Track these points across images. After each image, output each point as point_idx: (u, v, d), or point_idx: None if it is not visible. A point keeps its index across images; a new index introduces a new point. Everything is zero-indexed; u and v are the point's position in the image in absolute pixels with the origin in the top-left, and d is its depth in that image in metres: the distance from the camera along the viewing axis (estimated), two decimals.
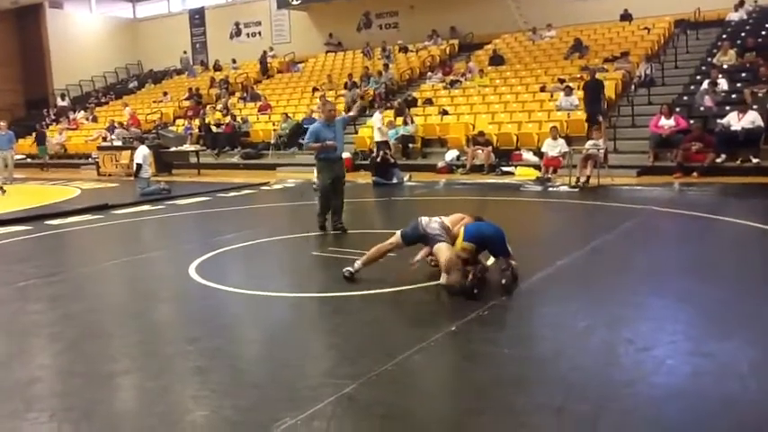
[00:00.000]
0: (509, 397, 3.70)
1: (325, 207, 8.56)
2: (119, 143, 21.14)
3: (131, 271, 7.41)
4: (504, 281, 5.49)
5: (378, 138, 16.36)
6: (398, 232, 6.10)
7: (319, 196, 8.69)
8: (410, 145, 17.22)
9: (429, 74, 22.16)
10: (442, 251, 5.68)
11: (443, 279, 5.62)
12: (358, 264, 6.01)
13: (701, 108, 14.73)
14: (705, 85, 15.21)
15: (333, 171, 8.49)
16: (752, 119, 13.11)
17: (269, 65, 27.71)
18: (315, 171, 14.24)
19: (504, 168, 15.04)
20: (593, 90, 15.26)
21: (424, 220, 6.03)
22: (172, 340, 4.96)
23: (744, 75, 15.61)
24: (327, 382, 3.92)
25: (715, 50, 17.40)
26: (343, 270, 6.04)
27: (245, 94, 24.83)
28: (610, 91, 17.02)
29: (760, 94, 14.18)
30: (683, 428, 3.24)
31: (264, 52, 28.19)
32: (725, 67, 16.19)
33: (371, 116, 20.11)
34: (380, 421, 3.47)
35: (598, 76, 15.73)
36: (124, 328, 5.26)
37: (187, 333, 5.06)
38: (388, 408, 3.63)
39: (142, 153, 14.09)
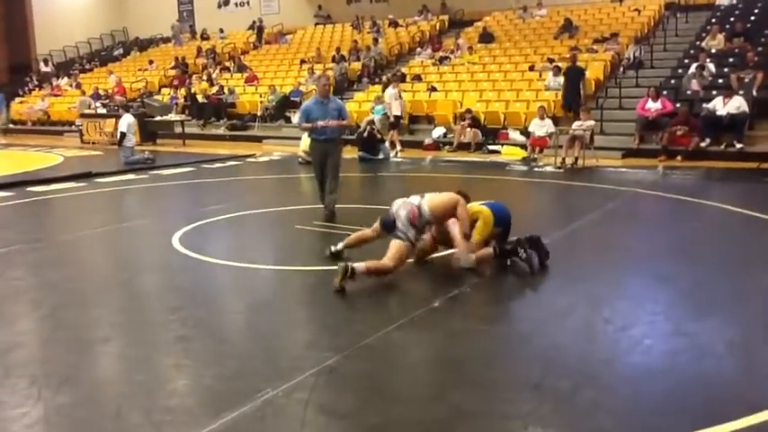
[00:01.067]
0: (488, 372, 3.74)
1: (321, 183, 8.24)
2: (102, 111, 20.85)
3: (114, 240, 7.36)
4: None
5: (395, 111, 16.30)
6: (380, 218, 5.69)
7: (316, 177, 8.35)
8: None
9: (418, 49, 22.02)
10: (391, 248, 5.26)
11: (470, 264, 5.46)
12: (340, 244, 5.87)
13: (688, 92, 14.78)
14: (693, 68, 15.24)
15: (318, 151, 8.14)
16: (737, 104, 13.17)
17: (253, 33, 27.39)
18: (301, 143, 14.24)
19: (491, 147, 15.05)
20: (572, 77, 15.35)
21: (395, 204, 5.51)
22: (154, 309, 4.96)
23: (731, 60, 15.66)
24: (309, 354, 3.94)
25: (704, 34, 17.41)
26: (326, 249, 5.94)
27: (231, 65, 24.55)
28: (598, 72, 17.03)
29: (746, 80, 14.24)
30: (661, 405, 3.29)
31: (259, 20, 27.89)
32: (713, 51, 16.21)
33: (359, 90, 20.04)
34: (361, 393, 3.50)
35: (582, 60, 15.73)
36: (106, 297, 5.25)
37: (169, 302, 5.06)
38: (369, 380, 3.66)
39: (126, 121, 13.91)
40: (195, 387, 3.59)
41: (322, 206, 8.11)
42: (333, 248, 5.89)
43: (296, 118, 8.23)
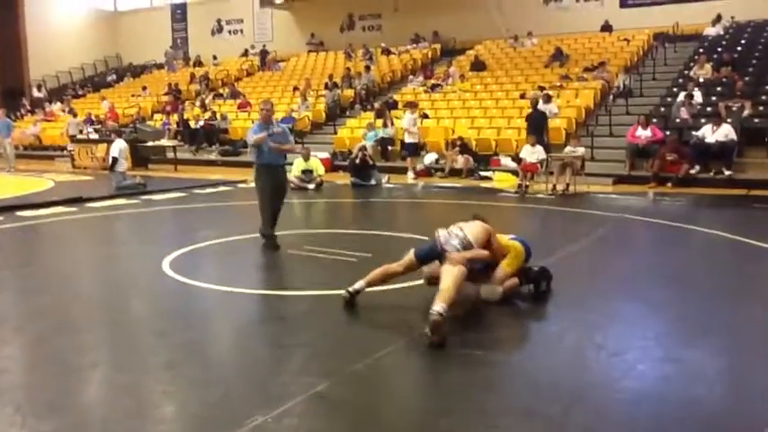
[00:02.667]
0: (479, 398, 3.71)
1: (268, 215, 7.66)
2: (94, 136, 20.84)
3: (104, 264, 7.31)
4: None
5: (408, 139, 16.06)
6: (411, 251, 5.29)
7: (261, 207, 7.73)
8: (389, 147, 17.23)
9: (410, 77, 22.21)
10: (451, 275, 4.86)
11: (496, 297, 5.33)
12: (360, 283, 5.27)
13: (677, 120, 14.94)
14: (681, 97, 15.42)
15: (272, 177, 7.65)
16: (725, 132, 13.31)
17: (251, 62, 27.60)
18: (292, 169, 14.24)
19: (483, 173, 15.11)
20: (534, 121, 14.63)
21: (441, 236, 5.17)
22: (142, 334, 4.91)
23: (719, 89, 15.86)
24: (298, 381, 3.90)
25: (692, 64, 17.66)
26: (343, 292, 5.27)
27: (224, 92, 24.67)
28: (588, 100, 17.21)
29: (734, 108, 14.42)
30: (651, 431, 3.28)
31: (263, 45, 28.20)
32: (701, 80, 16.43)
33: (352, 117, 20.13)
34: (351, 420, 3.46)
35: (573, 89, 15.83)
36: (94, 322, 5.19)
37: (158, 328, 5.01)
38: (359, 407, 3.63)
39: (118, 147, 13.92)
40: (183, 413, 3.54)
41: (269, 234, 7.62)
42: (351, 289, 5.26)
43: (249, 138, 7.66)
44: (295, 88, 23.01)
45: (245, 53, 28.34)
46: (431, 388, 3.98)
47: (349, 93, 21.61)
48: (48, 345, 4.63)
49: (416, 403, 3.81)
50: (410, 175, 15.63)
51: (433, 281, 5.22)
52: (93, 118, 23.76)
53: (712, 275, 6.59)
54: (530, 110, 15.36)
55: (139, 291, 6.21)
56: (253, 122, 7.88)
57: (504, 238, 5.68)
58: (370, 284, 5.30)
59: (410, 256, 5.26)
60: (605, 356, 4.30)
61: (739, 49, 17.97)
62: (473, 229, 5.31)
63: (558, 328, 4.84)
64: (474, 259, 5.14)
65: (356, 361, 4.17)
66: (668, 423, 3.36)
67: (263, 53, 27.62)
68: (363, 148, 15.14)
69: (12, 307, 5.61)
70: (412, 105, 16.25)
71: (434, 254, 5.16)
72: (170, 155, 19.03)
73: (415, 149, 16.12)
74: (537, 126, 14.45)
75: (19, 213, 10.50)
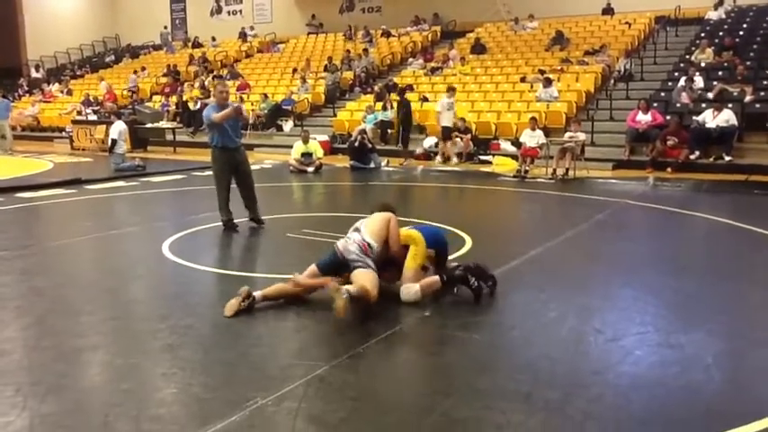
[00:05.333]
0: (478, 382, 3.73)
1: (225, 200, 7.68)
2: (93, 117, 20.78)
3: (103, 247, 7.32)
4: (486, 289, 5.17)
5: (443, 123, 15.37)
6: (313, 264, 5.14)
7: (217, 192, 7.70)
8: (389, 130, 17.18)
9: (410, 59, 22.11)
10: (361, 278, 4.80)
11: (413, 297, 4.98)
12: (258, 293, 4.94)
13: (678, 105, 14.89)
14: (682, 81, 15.36)
15: (230, 161, 7.60)
16: (726, 117, 13.28)
17: (249, 44, 27.45)
18: (292, 152, 14.22)
19: (482, 157, 15.09)
20: (403, 109, 15.51)
21: (340, 244, 5.09)
22: (142, 317, 4.92)
23: (720, 73, 15.80)
24: (299, 363, 3.92)
25: (693, 48, 17.57)
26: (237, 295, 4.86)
27: (223, 73, 24.55)
28: (589, 84, 17.13)
29: (735, 93, 14.36)
30: (649, 416, 3.30)
31: (243, 29, 28.05)
32: (702, 64, 16.36)
33: (351, 100, 20.05)
34: (351, 403, 3.48)
35: (573, 72, 15.72)
36: (94, 304, 5.20)
37: (158, 310, 5.02)
38: (359, 390, 3.64)
39: (118, 128, 13.89)
40: (183, 396, 3.56)
41: (230, 228, 7.63)
42: (244, 299, 4.83)
43: (210, 116, 7.44)
44: (294, 70, 22.90)
45: (243, 35, 28.16)
46: (430, 371, 4.00)
47: (348, 75, 21.51)
48: (47, 327, 4.64)
49: (416, 386, 3.83)
50: (438, 159, 15.29)
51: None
52: (90, 99, 23.66)
53: (711, 261, 6.61)
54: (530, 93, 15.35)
55: (139, 274, 6.21)
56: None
57: (404, 230, 5.31)
58: (267, 297, 4.96)
59: (312, 267, 5.10)
60: (603, 341, 4.32)
61: (741, 33, 17.87)
62: (372, 226, 5.15)
63: (557, 312, 4.85)
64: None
65: (356, 345, 4.18)
66: (667, 409, 3.38)
67: (242, 35, 27.74)
68: (363, 132, 15.10)
69: (11, 289, 5.62)
70: (451, 89, 15.85)
71: (337, 265, 5.01)
72: (169, 137, 18.98)
73: (449, 134, 15.45)
74: (405, 114, 15.32)
75: (18, 195, 10.49)
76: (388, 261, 5.17)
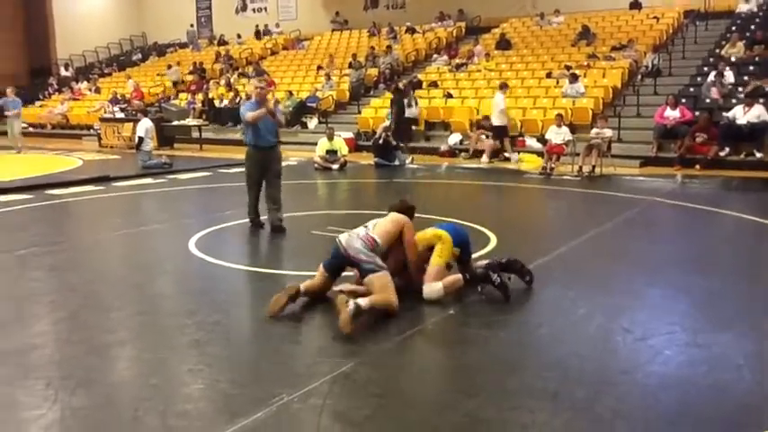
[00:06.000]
0: (504, 380, 3.71)
1: (255, 198, 7.63)
2: (120, 115, 21.04)
3: (131, 243, 7.41)
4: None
5: (497, 122, 14.85)
6: (321, 265, 5.00)
7: (248, 190, 7.66)
8: (413, 127, 17.15)
9: (435, 56, 22.04)
10: (377, 285, 4.65)
11: (435, 295, 4.95)
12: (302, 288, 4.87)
13: (707, 100, 14.65)
14: (712, 76, 15.12)
15: (262, 160, 7.53)
16: (758, 113, 13.03)
17: (274, 41, 27.60)
18: (317, 149, 14.28)
19: (507, 154, 14.98)
20: (397, 104, 15.44)
21: (343, 239, 4.90)
22: (170, 313, 4.98)
23: (751, 68, 15.52)
24: (324, 360, 3.93)
25: (723, 42, 17.28)
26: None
27: (249, 71, 24.70)
28: (615, 80, 16.92)
29: (767, 88, 14.10)
30: (679, 416, 3.26)
31: (260, 27, 28.36)
32: (733, 59, 16.08)
33: (376, 96, 20.04)
34: (376, 400, 3.48)
35: (600, 68, 15.48)
36: (123, 300, 5.27)
37: (185, 306, 5.07)
38: (384, 387, 3.64)
39: (144, 126, 14.04)
40: (210, 392, 3.59)
41: (271, 221, 7.59)
42: (291, 296, 4.77)
43: (245, 115, 7.38)
44: (319, 67, 22.95)
45: (257, 34, 28.28)
46: (455, 369, 3.99)
47: (373, 72, 21.51)
48: (79, 322, 4.71)
49: (441, 384, 3.82)
50: (514, 157, 14.59)
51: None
52: (118, 97, 23.95)
53: (739, 259, 6.50)
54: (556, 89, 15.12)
55: (166, 270, 6.28)
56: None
57: (430, 231, 5.24)
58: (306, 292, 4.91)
59: (319, 269, 4.99)
60: (632, 340, 4.27)
61: None
62: (383, 225, 4.99)
63: (585, 310, 4.81)
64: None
65: (381, 342, 4.19)
66: (696, 408, 3.34)
67: (258, 33, 28.17)
68: (387, 129, 15.09)
69: (43, 284, 5.71)
70: (503, 86, 15.30)
71: (341, 260, 4.86)
72: (195, 134, 19.15)
73: (505, 132, 14.92)
74: (399, 109, 15.56)
75: (48, 192, 10.66)
76: (398, 266, 5.09)
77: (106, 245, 7.35)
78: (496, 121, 14.92)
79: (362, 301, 4.45)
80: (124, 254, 7.07)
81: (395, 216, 5.12)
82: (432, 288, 4.97)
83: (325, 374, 3.69)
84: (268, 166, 7.59)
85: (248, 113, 7.33)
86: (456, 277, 5.08)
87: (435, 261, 5.08)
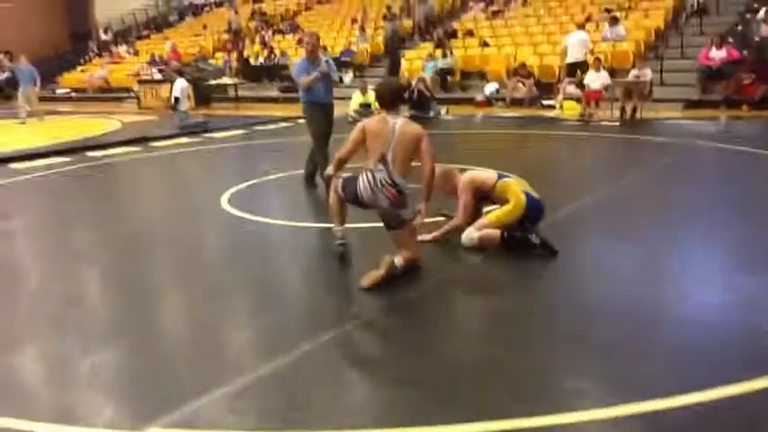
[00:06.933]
0: (534, 325, 3.69)
1: (326, 155, 7.11)
2: (159, 76, 21.22)
3: (166, 201, 7.55)
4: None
5: (570, 59, 14.34)
6: (339, 181, 4.64)
7: (318, 149, 7.33)
8: (448, 78, 16.89)
9: (471, 4, 21.53)
10: (405, 239, 4.53)
11: (469, 243, 4.88)
12: (339, 230, 4.69)
13: (757, 39, 14.02)
14: (762, 13, 14.43)
15: (323, 116, 7.33)
16: None
17: None
18: (351, 103, 14.21)
19: (545, 102, 14.67)
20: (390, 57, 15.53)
21: (361, 186, 4.46)
22: (199, 265, 5.05)
23: None
24: (349, 309, 3.97)
25: None
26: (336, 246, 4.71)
27: (284, 27, 24.55)
28: (659, 21, 16.28)
29: None
30: (707, 355, 3.20)
31: None
32: None
33: (411, 48, 19.73)
34: (398, 347, 3.51)
35: (642, 9, 14.86)
36: (157, 252, 5.40)
37: (216, 257, 5.18)
38: (406, 335, 3.67)
39: (180, 86, 14.12)
40: (238, 338, 3.67)
41: (307, 176, 7.48)
42: (339, 242, 4.70)
43: (299, 77, 7.18)
44: (354, 20, 22.67)
45: None
46: (480, 317, 3.98)
47: (408, 23, 21.15)
48: (117, 273, 4.86)
49: (464, 332, 3.81)
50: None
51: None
52: (156, 59, 24.11)
53: None
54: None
55: (199, 224, 6.37)
56: (298, 61, 7.29)
57: (513, 186, 4.98)
58: (343, 222, 4.71)
59: (337, 187, 4.62)
60: (663, 284, 4.18)
61: None
62: (401, 154, 4.41)
63: (618, 256, 4.73)
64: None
65: (406, 291, 4.19)
66: (726, 348, 3.27)
67: None
68: (422, 80, 14.89)
69: (83, 243, 5.88)
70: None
71: (357, 202, 4.55)
72: (232, 93, 19.22)
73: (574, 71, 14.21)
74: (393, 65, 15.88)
75: (89, 154, 10.88)
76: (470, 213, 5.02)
77: (142, 202, 7.50)
78: (577, 57, 14.22)
79: (398, 262, 4.32)
80: (160, 209, 7.16)
81: (409, 131, 4.49)
82: (469, 235, 4.93)
83: (348, 321, 3.71)
84: (329, 122, 7.41)
85: (302, 79, 7.11)
86: (494, 233, 4.90)
87: (494, 217, 4.95)
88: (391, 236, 4.58)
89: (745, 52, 13.38)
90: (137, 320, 3.97)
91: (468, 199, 5.10)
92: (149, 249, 5.59)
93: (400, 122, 4.49)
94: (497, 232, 4.93)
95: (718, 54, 13.33)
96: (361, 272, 4.36)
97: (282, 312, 4.01)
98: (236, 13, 26.92)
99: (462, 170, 5.39)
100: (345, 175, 4.66)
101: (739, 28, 14.85)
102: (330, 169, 4.75)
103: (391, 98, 4.67)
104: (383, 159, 4.39)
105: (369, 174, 4.41)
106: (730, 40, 13.96)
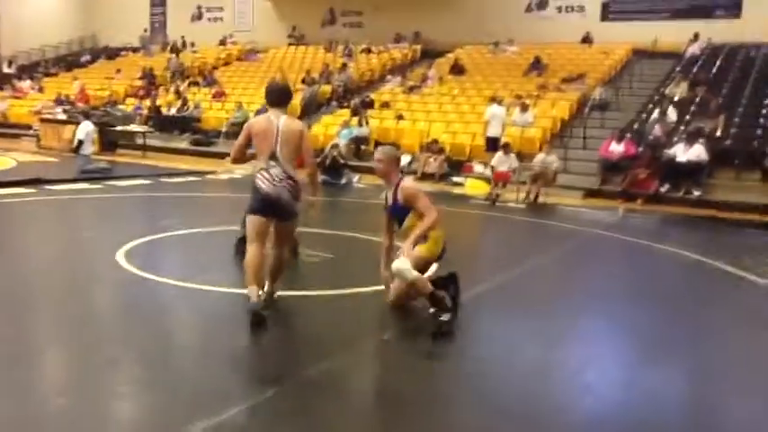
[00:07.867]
0: (434, 413, 3.57)
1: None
2: (62, 116, 20.36)
3: (54, 251, 7.04)
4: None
5: (491, 132, 15.34)
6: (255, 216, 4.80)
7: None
8: (362, 146, 17.07)
9: (388, 77, 22.08)
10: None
11: (406, 276, 4.84)
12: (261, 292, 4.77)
13: (651, 137, 14.99)
14: (656, 114, 15.50)
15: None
16: (697, 152, 13.36)
17: (228, 52, 27.30)
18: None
19: (455, 179, 15.02)
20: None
21: (264, 185, 4.69)
22: (86, 329, 4.67)
23: (693, 108, 15.98)
24: (245, 385, 3.74)
25: (668, 81, 17.79)
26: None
27: (200, 80, 24.29)
28: (564, 112, 17.21)
29: (707, 129, 14.46)
30: None
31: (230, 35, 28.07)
32: (676, 98, 16.54)
33: (327, 113, 19.91)
34: (298, 430, 3.30)
35: (549, 99, 15.71)
36: (36, 312, 4.95)
37: (104, 322, 4.80)
38: (307, 417, 3.46)
39: (85, 129, 13.58)
40: (125, 416, 3.35)
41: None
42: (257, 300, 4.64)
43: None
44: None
45: (223, 41, 27.99)
46: (382, 398, 3.84)
47: (327, 89, 21.40)
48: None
49: (367, 414, 3.66)
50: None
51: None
52: (63, 98, 23.20)
53: (676, 294, 6.54)
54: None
55: (88, 281, 5.96)
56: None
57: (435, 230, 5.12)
58: (261, 286, 4.78)
59: (256, 219, 4.81)
60: (566, 374, 4.19)
61: (714, 70, 18.13)
62: (289, 145, 4.69)
63: (521, 342, 4.73)
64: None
65: (308, 367, 4.00)
66: None
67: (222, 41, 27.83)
68: (336, 146, 14.96)
69: None
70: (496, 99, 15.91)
71: (268, 208, 4.72)
72: (139, 141, 18.64)
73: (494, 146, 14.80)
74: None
75: None
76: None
77: (27, 251, 6.97)
78: (496, 132, 15.21)
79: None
80: (46, 261, 6.68)
81: (293, 126, 4.79)
82: (408, 269, 4.80)
83: (245, 401, 3.48)
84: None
85: None
86: (427, 285, 4.87)
87: (424, 249, 5.01)
88: (281, 228, 4.84)
89: (640, 148, 14.25)
90: (23, 385, 3.58)
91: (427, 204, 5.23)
92: (26, 306, 5.13)
93: (283, 119, 4.75)
94: (429, 286, 4.88)
95: (617, 148, 14.14)
96: (265, 343, 4.14)
97: (174, 387, 3.72)
98: (177, 56, 26.56)
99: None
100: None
101: (636, 126, 15.86)
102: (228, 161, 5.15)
103: (278, 96, 4.91)
104: (273, 156, 4.67)
105: (264, 172, 4.68)
106: (628, 135, 14.86)
